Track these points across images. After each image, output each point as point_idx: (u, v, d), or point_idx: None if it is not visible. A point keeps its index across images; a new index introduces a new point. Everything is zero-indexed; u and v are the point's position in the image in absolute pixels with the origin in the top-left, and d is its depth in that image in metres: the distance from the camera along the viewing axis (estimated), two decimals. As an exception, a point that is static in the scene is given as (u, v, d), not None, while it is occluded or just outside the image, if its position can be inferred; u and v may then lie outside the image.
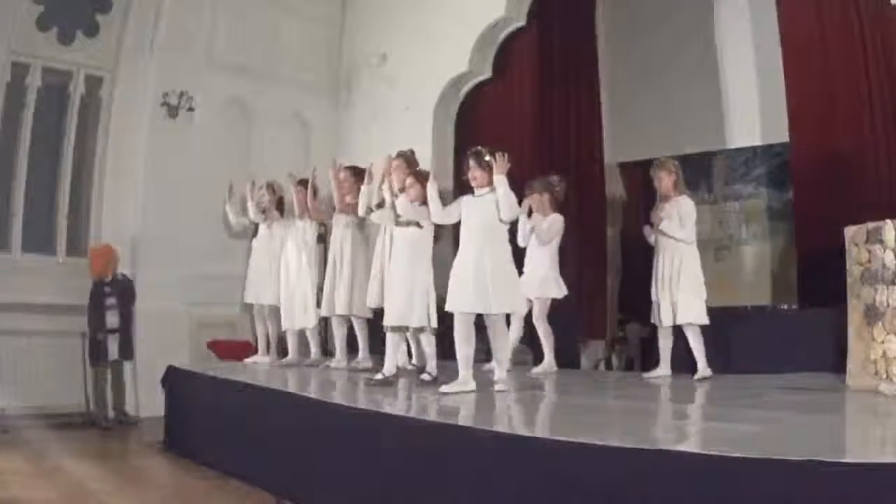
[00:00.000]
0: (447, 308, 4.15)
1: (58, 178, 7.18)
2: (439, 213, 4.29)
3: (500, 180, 4.01)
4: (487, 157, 4.08)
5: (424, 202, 4.39)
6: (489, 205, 4.06)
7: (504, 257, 4.11)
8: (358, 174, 5.37)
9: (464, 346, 4.07)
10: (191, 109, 7.55)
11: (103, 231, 7.23)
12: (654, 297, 5.00)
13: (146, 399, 6.80)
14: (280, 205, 6.11)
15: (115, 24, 7.35)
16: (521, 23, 7.66)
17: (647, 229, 5.12)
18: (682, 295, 4.87)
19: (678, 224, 4.89)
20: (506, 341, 4.28)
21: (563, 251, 5.53)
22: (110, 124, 7.36)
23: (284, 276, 5.84)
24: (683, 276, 4.89)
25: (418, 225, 4.50)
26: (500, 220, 4.07)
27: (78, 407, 6.66)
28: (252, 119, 8.25)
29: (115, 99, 7.38)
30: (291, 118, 8.56)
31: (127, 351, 6.79)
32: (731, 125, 7.82)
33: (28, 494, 4.23)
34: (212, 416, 5.12)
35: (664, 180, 5.02)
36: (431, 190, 4.29)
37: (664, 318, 4.93)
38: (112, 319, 6.71)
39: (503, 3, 7.50)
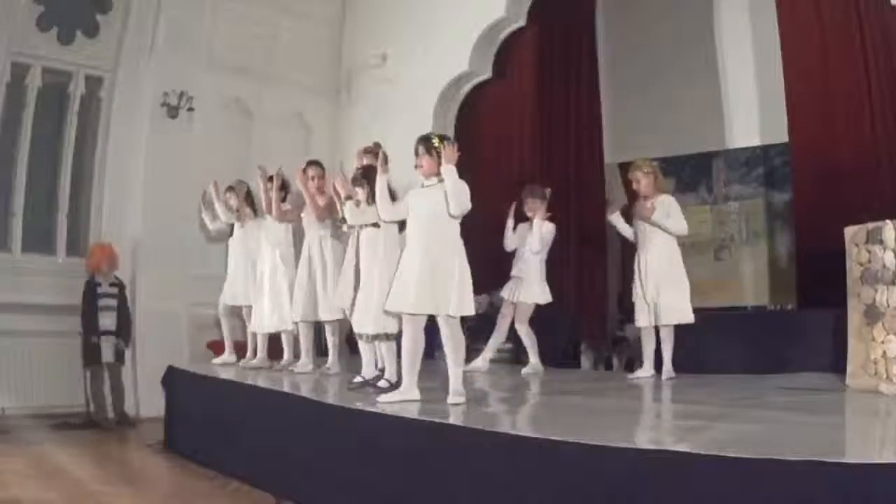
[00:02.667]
0: (387, 308, 3.92)
1: (58, 178, 7.18)
2: (387, 210, 4.03)
3: (449, 171, 3.67)
4: (436, 143, 3.78)
5: (372, 201, 4.22)
6: (437, 196, 3.73)
7: (454, 253, 3.74)
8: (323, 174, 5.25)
9: (408, 351, 3.76)
10: (191, 109, 7.54)
11: (103, 231, 7.23)
12: (640, 298, 4.99)
13: (146, 399, 6.80)
14: (251, 202, 5.96)
15: (115, 24, 7.35)
16: (521, 23, 7.67)
17: (616, 217, 5.17)
18: (671, 294, 4.87)
19: (672, 220, 4.92)
20: (461, 348, 3.78)
21: (558, 255, 5.55)
22: (110, 124, 7.35)
23: (260, 278, 5.69)
24: (673, 275, 4.90)
25: (375, 225, 4.28)
26: (450, 215, 3.72)
27: (78, 407, 6.64)
28: (252, 119, 8.25)
29: (115, 99, 7.37)
30: (291, 118, 8.56)
31: (119, 355, 6.78)
32: (731, 125, 7.82)
33: (28, 494, 4.22)
34: (212, 416, 5.11)
35: (642, 181, 5.03)
36: (380, 183, 4.01)
37: (651, 318, 4.94)
38: (105, 321, 6.68)
39: (503, 3, 7.50)
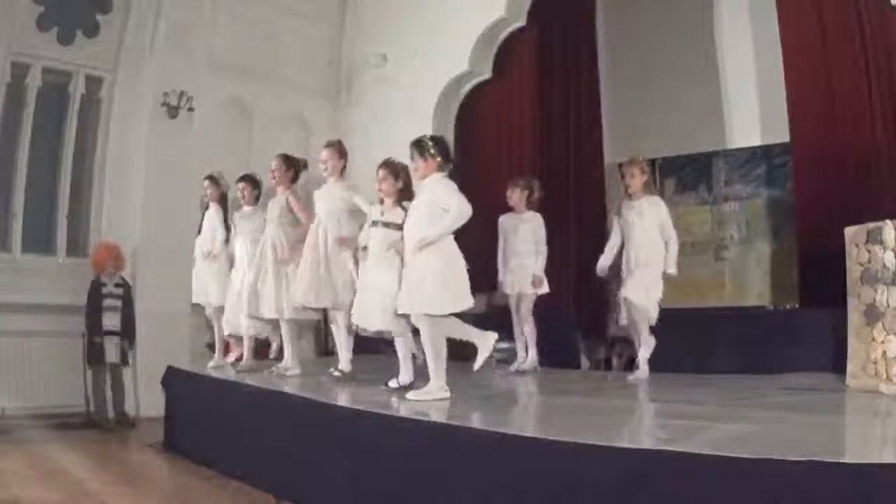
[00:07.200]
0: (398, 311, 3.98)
1: (58, 178, 7.18)
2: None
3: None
4: (431, 147, 3.92)
5: (398, 202, 4.32)
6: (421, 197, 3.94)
7: (431, 253, 3.77)
8: (290, 163, 5.25)
9: (429, 355, 3.82)
10: (191, 109, 7.54)
11: (103, 231, 7.24)
12: (624, 295, 4.97)
13: (146, 399, 6.80)
14: (224, 199, 5.91)
15: (115, 24, 7.36)
16: (521, 23, 7.68)
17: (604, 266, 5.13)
18: (644, 291, 4.86)
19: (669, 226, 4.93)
20: (437, 349, 3.83)
21: (558, 254, 5.56)
22: (110, 124, 7.36)
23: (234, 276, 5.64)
24: (654, 273, 4.90)
25: (399, 227, 4.25)
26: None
27: (78, 407, 6.64)
28: (252, 119, 8.25)
29: (115, 99, 7.38)
30: (291, 118, 8.56)
31: (124, 356, 6.79)
32: (731, 125, 7.81)
33: (28, 494, 4.22)
34: (212, 417, 5.11)
35: (636, 178, 5.01)
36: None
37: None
38: (109, 322, 6.69)
39: (503, 3, 7.52)
